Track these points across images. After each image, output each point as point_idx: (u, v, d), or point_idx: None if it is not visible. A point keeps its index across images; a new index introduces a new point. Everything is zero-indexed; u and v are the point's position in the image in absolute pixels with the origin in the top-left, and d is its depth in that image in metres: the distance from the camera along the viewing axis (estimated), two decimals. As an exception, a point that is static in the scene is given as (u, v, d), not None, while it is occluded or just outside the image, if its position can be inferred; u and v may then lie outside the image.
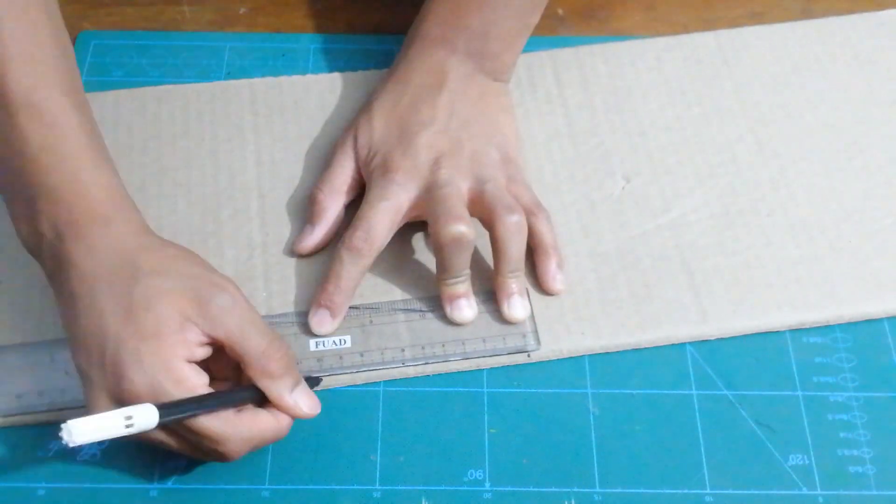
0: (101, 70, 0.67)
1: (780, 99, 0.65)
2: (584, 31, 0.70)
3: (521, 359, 0.56)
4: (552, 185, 0.61)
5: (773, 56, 0.67)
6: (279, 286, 0.57)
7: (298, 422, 0.52)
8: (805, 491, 0.52)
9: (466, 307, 0.56)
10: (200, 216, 0.60)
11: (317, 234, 0.58)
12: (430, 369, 0.55)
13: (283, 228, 0.59)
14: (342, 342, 0.55)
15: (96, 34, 0.69)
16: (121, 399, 0.46)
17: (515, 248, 0.55)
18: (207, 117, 0.64)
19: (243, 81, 0.65)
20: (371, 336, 0.56)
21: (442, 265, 0.55)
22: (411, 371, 0.55)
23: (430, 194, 0.55)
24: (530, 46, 0.63)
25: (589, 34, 0.69)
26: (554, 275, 0.57)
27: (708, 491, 0.52)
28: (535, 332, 0.56)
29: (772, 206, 0.61)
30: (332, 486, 0.51)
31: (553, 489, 0.52)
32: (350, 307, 0.56)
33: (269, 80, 0.66)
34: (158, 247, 0.50)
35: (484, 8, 0.59)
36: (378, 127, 0.59)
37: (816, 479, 0.52)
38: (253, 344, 0.48)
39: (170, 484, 0.51)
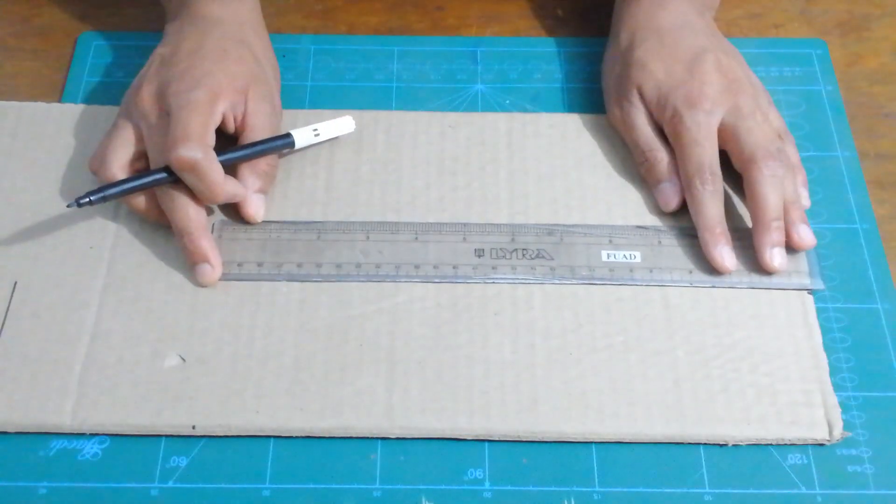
0: (102, 71, 0.67)
1: (549, 193, 0.61)
2: (583, 33, 0.70)
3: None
4: None
5: (560, 147, 0.63)
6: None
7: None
8: (804, 490, 0.52)
9: (779, 256, 0.57)
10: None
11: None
12: (718, 294, 0.57)
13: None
14: (632, 256, 0.58)
15: (98, 35, 0.69)
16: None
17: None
18: None
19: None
20: (660, 256, 0.58)
21: (760, 204, 0.56)
22: (699, 291, 0.57)
23: (735, 123, 0.58)
24: (365, 104, 0.65)
25: (589, 35, 0.69)
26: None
27: (707, 490, 0.52)
28: (815, 272, 0.58)
29: (503, 304, 0.56)
30: (332, 486, 0.51)
31: (553, 488, 0.51)
32: (639, 227, 0.59)
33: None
34: (261, 34, 0.64)
35: None
36: (658, 69, 0.61)
37: (815, 478, 0.52)
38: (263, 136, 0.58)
39: (170, 484, 0.51)
